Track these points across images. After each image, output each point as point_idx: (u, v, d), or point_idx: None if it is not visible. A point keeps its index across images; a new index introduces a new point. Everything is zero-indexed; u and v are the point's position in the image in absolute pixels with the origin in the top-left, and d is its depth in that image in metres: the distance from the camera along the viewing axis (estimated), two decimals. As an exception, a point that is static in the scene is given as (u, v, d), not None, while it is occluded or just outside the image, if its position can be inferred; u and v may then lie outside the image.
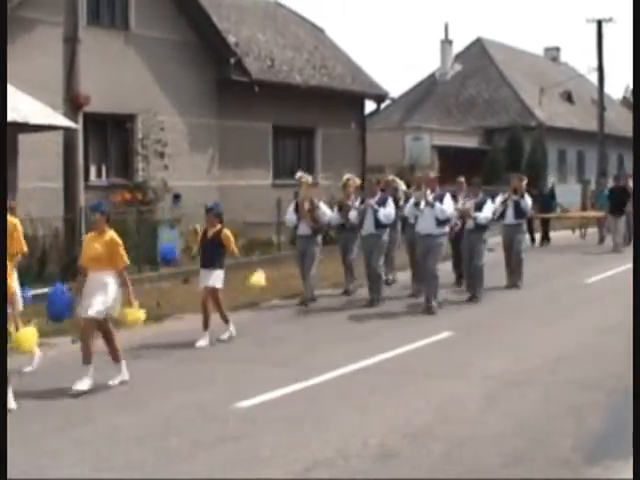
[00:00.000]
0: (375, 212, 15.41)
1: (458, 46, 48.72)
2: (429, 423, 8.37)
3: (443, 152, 38.10)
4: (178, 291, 16.86)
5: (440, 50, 47.70)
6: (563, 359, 11.02)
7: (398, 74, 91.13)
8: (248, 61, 26.05)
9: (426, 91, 46.75)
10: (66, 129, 17.15)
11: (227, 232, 12.77)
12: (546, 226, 28.37)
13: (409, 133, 38.32)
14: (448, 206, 14.81)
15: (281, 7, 32.29)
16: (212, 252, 12.62)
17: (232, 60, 24.95)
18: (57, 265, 16.50)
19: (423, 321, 13.99)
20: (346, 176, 16.77)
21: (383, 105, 34.87)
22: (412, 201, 15.25)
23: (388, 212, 15.47)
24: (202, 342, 12.28)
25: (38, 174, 19.75)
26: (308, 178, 16.41)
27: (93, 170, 22.27)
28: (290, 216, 16.24)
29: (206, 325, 12.48)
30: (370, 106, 32.94)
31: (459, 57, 47.66)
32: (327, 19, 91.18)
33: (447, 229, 15.08)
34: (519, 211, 17.84)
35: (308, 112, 27.96)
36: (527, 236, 24.94)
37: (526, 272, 17.79)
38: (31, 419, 8.79)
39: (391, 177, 17.67)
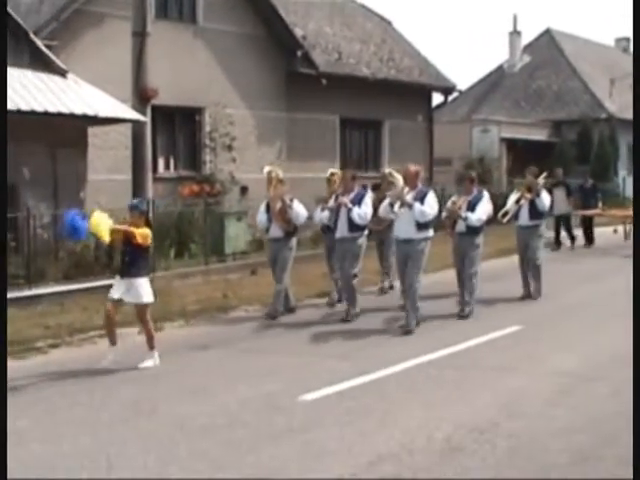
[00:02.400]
0: (349, 212, 13.46)
1: (527, 37, 48.21)
2: (495, 418, 8.30)
3: (511, 145, 37.77)
4: (245, 282, 16.95)
5: (508, 41, 47.25)
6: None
7: (466, 66, 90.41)
8: (315, 54, 26.06)
9: (494, 83, 46.37)
10: (135, 122, 17.30)
11: (147, 231, 10.73)
12: (588, 224, 25.11)
13: (477, 125, 38.03)
14: (431, 206, 12.65)
15: (348, 0, 32.23)
16: (135, 257, 10.62)
17: (300, 53, 24.99)
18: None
19: (489, 316, 13.86)
20: (330, 170, 14.86)
21: (451, 97, 34.68)
22: (387, 201, 13.06)
23: (363, 212, 13.43)
24: (106, 362, 10.67)
25: (107, 166, 20.00)
26: (278, 172, 14.32)
27: (161, 162, 22.47)
28: (260, 217, 14.35)
29: (113, 339, 10.82)
30: (437, 98, 32.78)
31: (528, 48, 47.17)
32: (394, 11, 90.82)
33: (430, 233, 12.87)
34: (535, 211, 15.44)
35: (375, 104, 27.89)
36: (560, 235, 23.90)
37: (578, 271, 17.15)
38: (100, 408, 8.91)
39: (387, 171, 15.01)
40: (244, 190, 22.80)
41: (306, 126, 25.85)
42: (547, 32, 47.85)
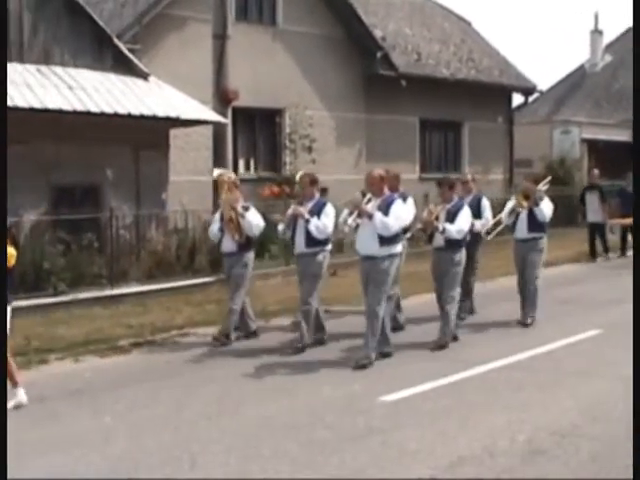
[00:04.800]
0: (306, 224, 11.52)
1: (609, 36, 47.57)
2: (577, 422, 8.22)
3: (593, 146, 37.25)
4: (325, 283, 16.94)
5: (590, 40, 46.66)
6: None
7: (546, 66, 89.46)
8: (395, 55, 26.02)
9: (575, 83, 45.81)
10: (216, 123, 17.46)
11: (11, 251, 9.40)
12: (626, 234, 21.56)
13: (558, 126, 37.58)
14: (397, 217, 10.71)
15: (428, 0, 32.13)
16: None
17: (379, 54, 25.00)
18: (206, 257, 16.81)
19: (570, 320, 13.68)
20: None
21: (531, 98, 34.36)
22: (345, 210, 11.27)
23: (322, 224, 11.43)
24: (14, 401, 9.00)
25: (189, 168, 20.22)
26: (230, 176, 12.71)
27: (242, 163, 22.66)
28: (212, 227, 12.57)
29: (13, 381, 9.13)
30: (518, 99, 32.52)
31: (610, 47, 46.51)
32: (474, 11, 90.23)
33: (398, 248, 10.98)
34: (534, 222, 13.25)
35: (455, 106, 27.76)
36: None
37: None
38: (181, 407, 9.01)
39: (391, 172, 12.72)
40: (324, 191, 22.80)
41: (386, 128, 25.83)
42: (629, 31, 47.14)
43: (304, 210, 11.54)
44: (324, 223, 11.46)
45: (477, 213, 13.34)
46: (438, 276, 12.06)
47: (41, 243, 15.06)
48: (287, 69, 23.17)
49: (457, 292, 11.99)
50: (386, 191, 11.00)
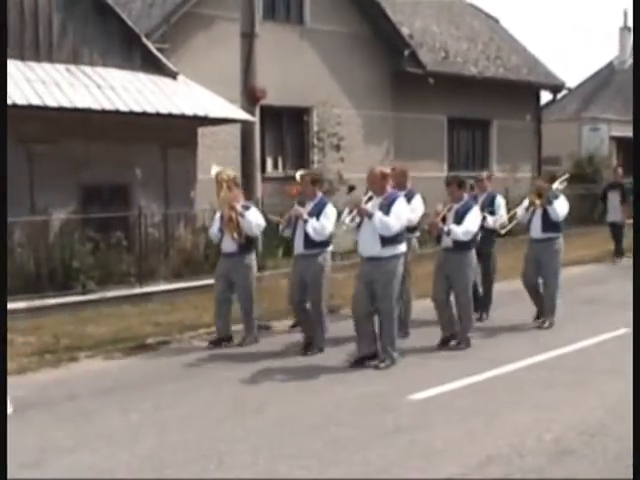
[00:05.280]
0: (305, 224, 11.21)
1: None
2: (605, 421, 8.18)
3: (622, 143, 37.05)
4: (350, 282, 16.87)
5: (619, 37, 46.38)
6: None
7: (575, 63, 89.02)
8: (422, 53, 25.98)
9: (604, 80, 45.53)
10: (244, 122, 17.50)
11: None
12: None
13: (586, 124, 37.43)
14: (398, 216, 10.29)
15: (455, -2, 32.09)
16: None
17: (406, 52, 24.99)
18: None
19: (599, 318, 13.62)
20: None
21: (559, 95, 34.18)
22: (346, 211, 10.90)
23: (320, 225, 11.11)
24: None
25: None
26: (229, 173, 12.18)
27: (269, 162, 22.71)
28: (213, 227, 12.32)
29: None
30: (546, 97, 32.39)
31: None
32: (502, 9, 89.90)
33: (402, 248, 10.58)
34: (548, 222, 12.83)
35: (483, 103, 27.67)
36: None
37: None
38: (208, 406, 9.05)
39: (399, 168, 12.62)
40: (352, 189, 22.81)
41: (413, 126, 25.79)
42: (659, 28, 46.80)
43: (304, 210, 11.26)
44: (322, 225, 11.12)
45: (492, 211, 13.22)
46: (442, 275, 11.59)
47: (70, 242, 15.15)
48: (314, 67, 23.19)
49: (469, 296, 11.60)
50: (388, 189, 10.61)
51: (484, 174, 14.22)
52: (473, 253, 11.60)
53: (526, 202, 13.12)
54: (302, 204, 11.40)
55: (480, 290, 13.27)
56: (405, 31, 25.80)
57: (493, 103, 28.09)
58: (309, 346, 11.38)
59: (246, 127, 17.64)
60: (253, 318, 12.05)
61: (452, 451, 7.38)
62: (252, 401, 9.17)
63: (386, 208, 10.31)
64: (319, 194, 11.50)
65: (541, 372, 10.17)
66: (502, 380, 9.85)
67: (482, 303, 13.38)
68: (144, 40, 17.63)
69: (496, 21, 32.38)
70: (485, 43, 29.62)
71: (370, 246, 10.38)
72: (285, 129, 23.39)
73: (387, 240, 10.28)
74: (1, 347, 8.36)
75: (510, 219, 13.54)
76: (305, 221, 11.12)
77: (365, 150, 24.24)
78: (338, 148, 22.98)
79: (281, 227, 11.65)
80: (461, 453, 7.32)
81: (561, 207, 12.82)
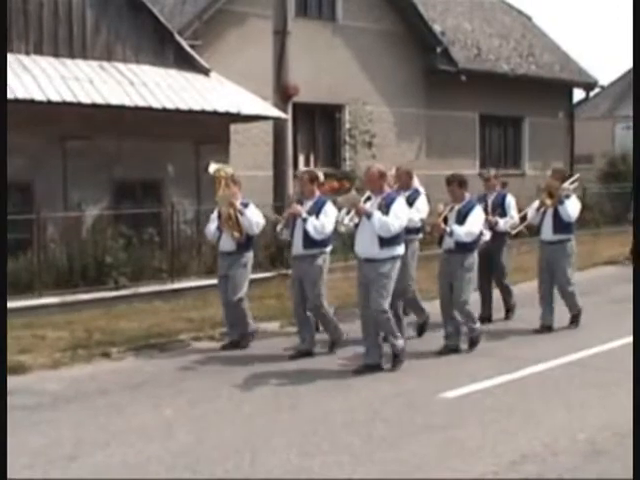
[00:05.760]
0: (303, 223, 10.81)
1: (673, 31, 46.86)
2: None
3: (656, 141, 36.82)
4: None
5: (653, 35, 46.05)
6: None
7: (608, 61, 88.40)
8: (455, 50, 25.89)
9: (638, 78, 45.23)
10: (276, 119, 17.51)
11: None
12: None
13: (619, 122, 37.15)
14: (397, 216, 9.95)
15: (487, -5, 31.97)
16: None
17: (439, 49, 24.92)
18: (265, 252, 16.84)
19: (628, 317, 13.51)
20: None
21: (592, 93, 33.98)
22: (343, 210, 10.42)
23: (320, 224, 10.66)
24: None
25: (248, 163, 20.25)
26: (227, 170, 11.78)
27: (301, 159, 22.70)
28: (210, 225, 11.91)
29: None
30: (579, 94, 32.20)
31: (674, 42, 45.86)
32: (534, 6, 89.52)
33: (400, 250, 10.19)
34: (560, 223, 12.33)
35: (515, 101, 27.53)
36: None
37: None
38: (241, 401, 9.06)
39: (403, 168, 12.30)
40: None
41: (445, 123, 25.71)
42: (694, 25, 46.40)
43: (302, 209, 10.84)
44: (322, 223, 10.66)
45: (502, 211, 12.93)
46: (446, 280, 11.20)
47: (103, 237, 15.21)
48: (347, 64, 23.15)
49: (466, 299, 11.11)
50: (387, 188, 10.27)
51: (492, 172, 13.76)
52: (475, 255, 11.19)
53: (536, 203, 12.60)
54: (300, 203, 11.02)
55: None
56: (437, 28, 25.73)
57: (525, 100, 27.94)
58: (333, 345, 11.29)
59: (278, 124, 17.66)
60: (247, 320, 11.72)
61: (485, 449, 7.35)
62: (285, 397, 9.19)
63: (385, 208, 9.97)
64: (317, 193, 11.05)
65: (573, 371, 10.13)
66: (534, 379, 9.82)
67: (489, 307, 13.26)
68: (177, 37, 17.67)
69: (529, 18, 32.21)
70: (517, 40, 29.48)
71: (368, 247, 10.05)
72: (317, 126, 23.38)
73: (385, 241, 9.95)
74: (1, 347, 8.30)
75: (521, 220, 13.15)
76: (304, 220, 10.72)
77: (397, 148, 24.20)
78: (370, 145, 22.93)
79: (279, 227, 11.19)
80: (494, 452, 7.29)
81: (573, 207, 12.37)
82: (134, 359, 11.23)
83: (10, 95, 14.31)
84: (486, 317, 13.04)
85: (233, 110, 16.90)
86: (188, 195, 17.24)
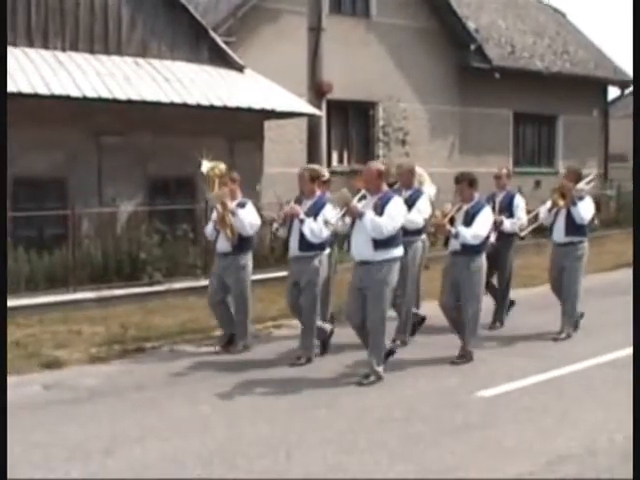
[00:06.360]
0: (300, 224, 10.33)
1: None
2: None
3: (691, 140, 36.52)
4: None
5: (689, 33, 45.69)
6: None
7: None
8: (488, 47, 25.81)
9: (673, 76, 44.87)
10: (310, 116, 17.49)
11: None
12: None
13: (655, 120, 36.91)
14: (391, 217, 9.39)
15: (521, -8, 31.82)
16: None
17: (473, 47, 24.86)
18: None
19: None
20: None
21: (627, 91, 33.73)
22: (333, 208, 10.00)
23: (318, 227, 10.11)
24: None
25: (282, 159, 20.30)
26: (221, 168, 11.20)
27: (335, 156, 22.71)
28: (208, 225, 11.55)
29: None
30: (613, 92, 31.96)
31: None
32: (569, 3, 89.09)
33: (397, 252, 9.62)
34: (572, 225, 11.79)
35: (549, 99, 27.37)
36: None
37: None
38: (277, 398, 9.09)
39: (405, 166, 12.05)
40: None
41: (479, 120, 25.62)
42: None
43: (300, 209, 10.37)
44: (320, 227, 10.07)
45: (510, 212, 12.43)
46: (451, 283, 10.61)
47: (137, 233, 15.28)
48: (380, 61, 23.13)
49: (476, 304, 10.53)
50: (384, 188, 9.71)
51: (503, 170, 13.07)
52: (483, 257, 10.58)
53: (549, 203, 11.99)
54: (299, 202, 10.56)
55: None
56: (471, 25, 25.65)
57: (559, 98, 27.78)
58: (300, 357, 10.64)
59: (312, 121, 17.61)
60: (246, 323, 11.28)
61: (522, 449, 7.32)
62: (322, 394, 9.19)
63: (380, 208, 9.43)
64: (318, 192, 10.54)
65: (609, 371, 10.05)
66: (570, 378, 9.76)
67: (498, 311, 12.84)
68: (211, 33, 17.73)
69: (563, 15, 32.03)
70: (552, 37, 29.33)
71: (362, 249, 9.52)
72: (351, 123, 23.39)
73: (380, 243, 9.40)
74: (1, 347, 8.28)
75: (532, 221, 12.67)
76: (301, 221, 10.26)
77: (431, 145, 24.16)
78: (404, 143, 22.92)
79: (275, 226, 10.69)
80: (532, 451, 7.26)
81: (586, 209, 11.79)
82: (168, 354, 11.26)
83: (46, 91, 14.43)
84: (499, 320, 12.78)
85: (268, 107, 16.93)
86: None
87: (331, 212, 9.96)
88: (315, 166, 11.14)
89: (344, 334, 10.89)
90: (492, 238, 10.99)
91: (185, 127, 16.42)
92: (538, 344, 11.66)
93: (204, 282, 15.04)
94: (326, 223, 9.68)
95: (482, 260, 10.55)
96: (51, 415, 8.50)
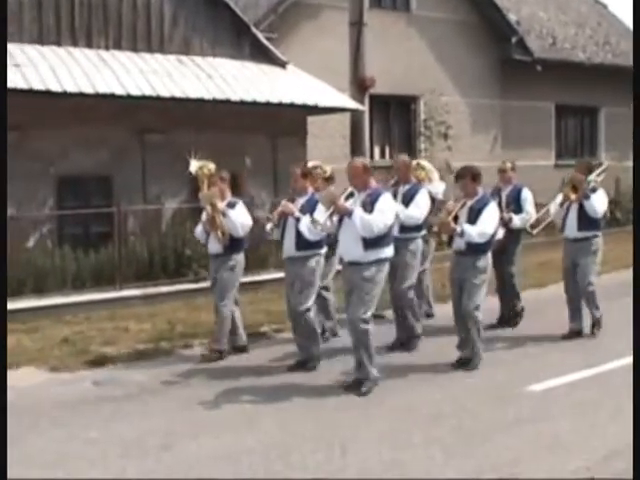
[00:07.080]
0: (296, 222, 9.86)
1: None
2: None
3: None
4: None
5: None
6: None
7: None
8: (530, 40, 25.62)
9: None
10: (353, 111, 17.47)
11: None
12: None
13: (698, 110, 36.56)
14: (382, 214, 8.85)
15: (563, -17, 31.58)
16: None
17: (514, 39, 24.68)
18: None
19: None
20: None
21: (670, 82, 33.42)
22: (321, 207, 9.40)
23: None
24: None
25: (324, 155, 20.23)
26: (210, 167, 10.86)
27: (377, 150, 22.68)
28: (199, 226, 11.09)
29: None
30: (656, 83, 31.64)
31: None
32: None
33: (387, 252, 9.11)
34: (585, 219, 11.27)
35: (591, 90, 27.16)
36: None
37: None
38: (324, 394, 9.04)
39: (415, 161, 11.95)
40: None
41: (521, 114, 25.45)
42: None
43: (294, 207, 9.92)
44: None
45: (517, 207, 11.96)
46: (457, 284, 10.10)
47: (182, 230, 15.31)
48: (421, 55, 23.06)
49: (479, 305, 9.96)
50: (372, 184, 9.15)
51: (507, 164, 12.48)
52: (489, 257, 10.03)
53: (560, 197, 11.45)
54: (292, 200, 10.14)
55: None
56: (512, 18, 25.49)
57: (601, 90, 27.53)
58: (301, 364, 10.20)
59: (355, 116, 17.60)
60: (224, 326, 10.77)
61: (577, 444, 7.27)
62: (373, 391, 9.11)
63: (369, 206, 8.89)
64: (310, 189, 10.17)
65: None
66: (621, 372, 9.61)
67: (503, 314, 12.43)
68: (253, 30, 17.74)
69: (604, 6, 31.77)
70: (593, 28, 29.08)
71: (351, 249, 9.03)
72: (392, 117, 23.32)
73: (370, 242, 8.89)
74: (1, 347, 8.24)
75: (543, 218, 12.09)
76: (297, 219, 9.77)
77: (472, 139, 24.05)
78: (446, 137, 22.85)
79: (269, 227, 10.12)
80: (586, 446, 7.21)
81: (599, 202, 11.27)
82: (216, 351, 11.26)
83: (91, 90, 14.51)
84: (505, 320, 12.36)
85: (310, 102, 16.91)
86: (265, 187, 17.31)
87: (320, 211, 9.43)
88: (361, 158, 10.62)
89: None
90: (500, 235, 10.57)
91: (228, 124, 16.46)
92: (584, 338, 11.54)
93: (249, 278, 15.07)
94: (313, 222, 9.16)
95: (488, 259, 10.03)
96: (103, 411, 8.55)
